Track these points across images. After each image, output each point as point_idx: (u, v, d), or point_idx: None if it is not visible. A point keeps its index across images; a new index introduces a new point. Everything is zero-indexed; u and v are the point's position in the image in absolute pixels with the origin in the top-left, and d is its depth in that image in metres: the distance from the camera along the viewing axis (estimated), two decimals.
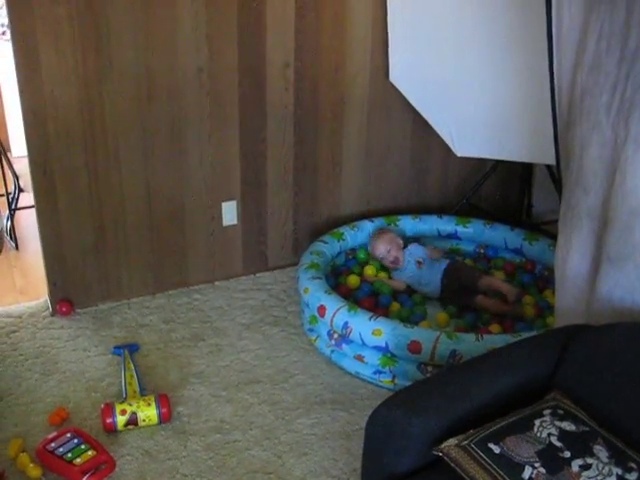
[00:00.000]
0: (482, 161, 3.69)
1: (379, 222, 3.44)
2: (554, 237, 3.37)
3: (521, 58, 2.86)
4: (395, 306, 3.01)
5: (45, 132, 2.83)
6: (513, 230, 3.39)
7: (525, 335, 2.54)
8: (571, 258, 2.27)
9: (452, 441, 1.69)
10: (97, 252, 3.11)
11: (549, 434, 1.66)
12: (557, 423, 1.70)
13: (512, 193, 3.92)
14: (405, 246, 3.28)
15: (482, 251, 3.47)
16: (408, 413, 1.74)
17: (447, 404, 1.79)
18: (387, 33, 3.26)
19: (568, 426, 1.69)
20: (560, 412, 1.74)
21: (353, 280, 3.16)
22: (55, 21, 2.70)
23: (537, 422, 1.70)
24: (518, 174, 3.84)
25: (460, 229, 3.47)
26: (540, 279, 3.24)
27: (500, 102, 3.01)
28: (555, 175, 3.37)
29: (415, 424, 1.72)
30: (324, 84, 3.30)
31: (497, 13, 2.85)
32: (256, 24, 3.06)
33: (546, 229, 3.58)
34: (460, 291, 3.08)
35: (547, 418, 1.71)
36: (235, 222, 3.34)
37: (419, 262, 3.19)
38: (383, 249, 3.23)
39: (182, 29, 2.93)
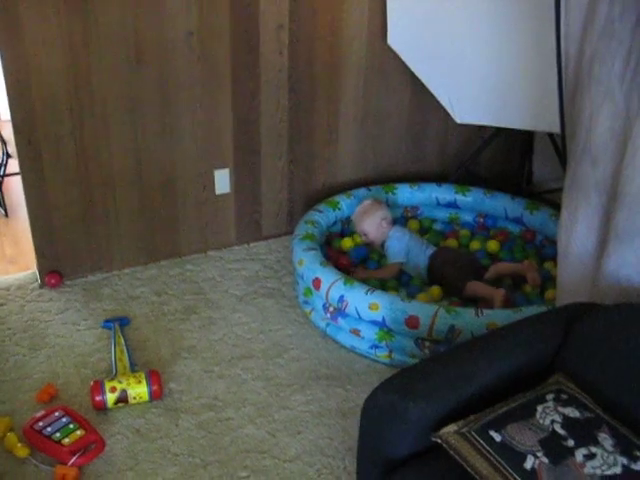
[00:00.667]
0: (481, 128, 3.59)
1: (376, 190, 3.35)
2: (556, 206, 3.31)
3: (525, 22, 2.73)
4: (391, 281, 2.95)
5: (29, 99, 2.72)
6: (514, 199, 3.30)
7: (526, 310, 2.49)
8: (576, 232, 2.19)
9: (451, 427, 1.63)
10: (86, 222, 3.02)
11: (552, 421, 1.60)
12: (560, 409, 1.64)
13: (512, 161, 3.83)
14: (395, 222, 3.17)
15: (481, 220, 3.38)
16: (406, 397, 1.68)
17: (446, 388, 1.73)
18: None
19: (572, 412, 1.63)
20: (564, 397, 1.68)
21: (346, 243, 3.11)
22: None
23: (540, 408, 1.64)
24: (518, 141, 3.74)
25: (459, 198, 3.38)
26: (540, 248, 3.16)
27: (502, 67, 2.89)
28: (558, 144, 3.28)
29: (413, 409, 1.66)
30: (320, 47, 3.18)
31: None
32: None
33: (548, 198, 3.49)
34: (446, 285, 2.90)
35: (550, 404, 1.65)
36: (228, 190, 3.25)
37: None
38: (359, 229, 3.10)
39: None
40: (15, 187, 3.86)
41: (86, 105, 2.83)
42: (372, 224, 3.05)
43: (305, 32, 3.12)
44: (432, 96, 3.25)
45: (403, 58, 3.19)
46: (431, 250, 2.99)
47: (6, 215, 3.73)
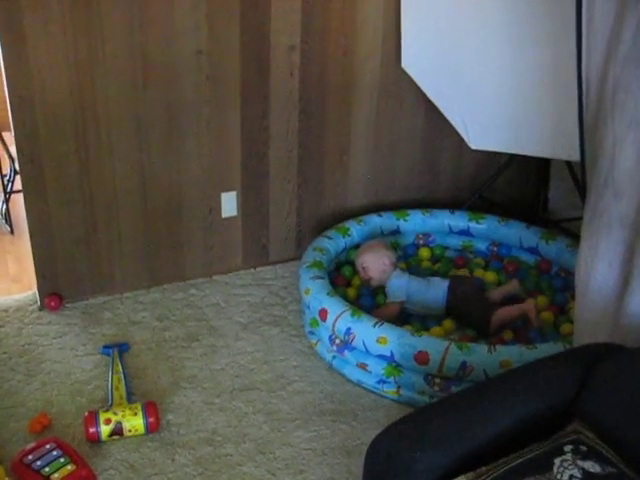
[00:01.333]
0: (496, 154, 3.48)
1: (387, 216, 3.25)
2: (573, 236, 3.20)
3: (544, 47, 2.65)
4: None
5: (33, 118, 2.65)
6: (529, 228, 3.19)
7: (540, 347, 2.38)
8: (596, 267, 2.08)
9: None
10: (89, 244, 2.94)
11: (571, 476, 1.49)
12: (580, 463, 1.52)
13: (527, 188, 3.72)
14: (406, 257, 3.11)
15: (495, 249, 3.27)
16: (413, 446, 1.58)
17: (456, 435, 1.62)
18: (400, 16, 3.04)
19: (592, 467, 1.51)
20: (583, 449, 1.57)
21: (357, 280, 3.00)
22: (43, 0, 2.51)
23: (557, 461, 1.53)
24: (533, 169, 3.64)
25: (473, 225, 3.27)
26: (556, 280, 3.04)
27: (519, 93, 2.80)
28: (576, 172, 3.18)
29: (420, 458, 1.56)
30: (332, 69, 3.10)
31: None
32: (260, 3, 2.86)
33: (564, 227, 3.38)
34: (471, 323, 2.78)
35: (568, 457, 1.54)
36: (235, 214, 3.16)
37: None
38: (360, 261, 2.94)
39: (180, 8, 2.73)
40: (22, 204, 3.77)
41: (91, 124, 2.76)
42: (375, 259, 2.89)
43: (317, 53, 3.04)
44: (446, 121, 3.16)
45: (417, 81, 3.10)
46: (444, 282, 2.85)
47: (12, 232, 3.66)
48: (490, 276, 3.06)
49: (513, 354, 2.33)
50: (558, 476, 1.50)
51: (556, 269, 3.10)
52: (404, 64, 3.10)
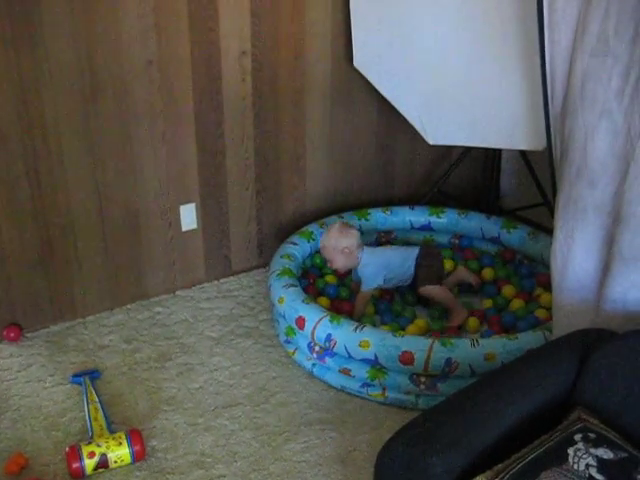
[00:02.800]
0: (449, 148, 3.52)
1: (349, 217, 3.23)
2: (531, 224, 3.26)
3: (500, 39, 2.67)
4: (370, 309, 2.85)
5: None
6: (489, 218, 3.23)
7: (522, 337, 2.41)
8: (574, 255, 2.12)
9: None
10: (45, 268, 2.80)
11: (587, 465, 1.50)
12: (592, 450, 1.54)
13: (477, 179, 3.76)
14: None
15: (456, 241, 3.30)
16: (428, 450, 1.55)
17: (468, 435, 1.61)
18: (349, 14, 3.02)
19: (605, 454, 1.53)
20: (592, 436, 1.58)
21: (329, 279, 2.99)
22: None
23: (571, 451, 1.54)
24: (482, 159, 3.68)
25: (433, 220, 3.29)
26: (520, 267, 3.09)
27: (476, 86, 2.82)
28: (530, 162, 3.23)
29: (437, 463, 1.54)
30: (284, 72, 3.06)
31: None
32: (208, 9, 2.79)
33: (519, 215, 3.44)
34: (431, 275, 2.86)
35: (580, 445, 1.55)
36: (195, 226, 3.08)
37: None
38: (324, 255, 2.89)
39: (127, 17, 2.64)
40: None
41: (40, 143, 2.63)
42: (334, 250, 2.81)
43: (268, 57, 2.99)
44: (398, 117, 3.17)
45: (371, 80, 3.09)
46: (414, 251, 2.89)
47: None
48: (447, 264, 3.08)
49: (496, 346, 2.35)
50: (575, 466, 1.50)
51: (519, 257, 3.15)
52: (356, 63, 3.08)
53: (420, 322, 2.76)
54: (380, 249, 3.02)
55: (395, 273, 2.86)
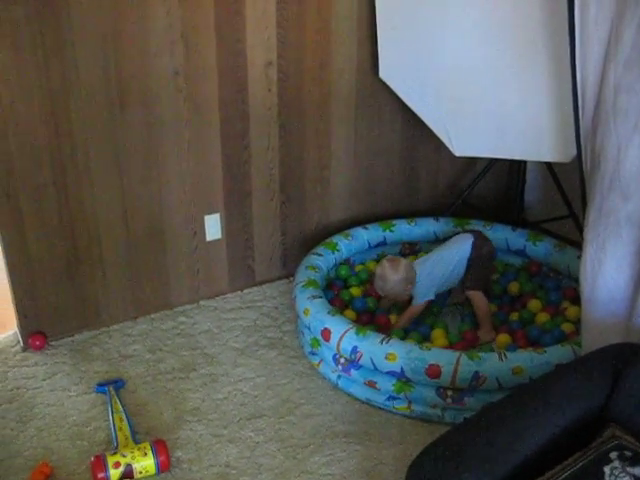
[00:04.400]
0: (473, 159, 3.49)
1: (374, 228, 3.22)
2: (556, 237, 3.22)
3: (527, 50, 2.65)
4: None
5: (6, 149, 2.53)
6: (515, 230, 3.20)
7: (550, 351, 2.38)
8: (605, 269, 2.09)
9: None
10: (70, 277, 2.81)
11: None
12: (630, 469, 1.50)
13: (503, 192, 3.74)
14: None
15: None
16: (460, 467, 1.53)
17: (500, 452, 1.58)
18: (375, 25, 3.02)
19: None
20: (628, 454, 1.55)
21: (354, 291, 2.97)
22: (12, 23, 2.40)
23: (607, 470, 1.51)
24: (508, 172, 3.66)
25: (459, 231, 3.24)
26: (547, 281, 3.06)
27: (503, 97, 2.80)
28: (556, 173, 3.20)
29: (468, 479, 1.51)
30: (309, 83, 3.05)
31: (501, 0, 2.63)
32: (235, 20, 2.80)
33: (544, 228, 3.40)
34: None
35: (617, 464, 1.52)
36: (219, 236, 3.08)
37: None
38: (379, 291, 2.78)
39: (154, 29, 2.65)
40: None
41: (67, 153, 2.65)
42: (396, 288, 2.72)
43: (294, 68, 2.99)
44: (423, 128, 3.16)
45: (397, 91, 3.08)
46: (467, 251, 2.83)
47: None
48: None
49: (525, 360, 2.32)
50: None
51: (545, 270, 3.11)
52: (382, 75, 3.07)
53: (439, 332, 2.72)
54: (430, 262, 2.83)
55: (446, 283, 2.83)
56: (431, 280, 2.77)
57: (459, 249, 2.85)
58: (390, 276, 2.70)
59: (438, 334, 2.73)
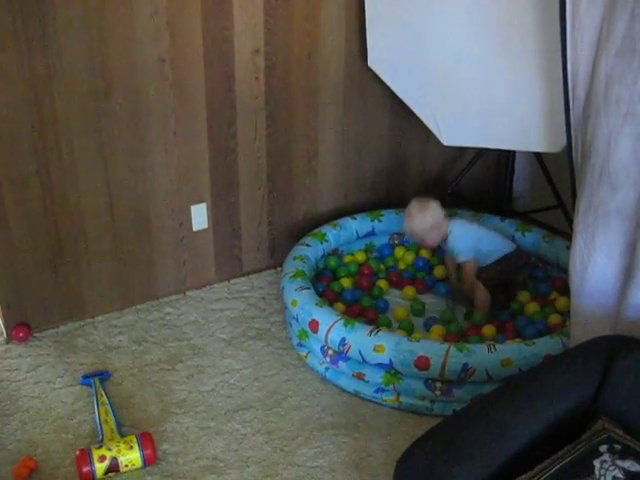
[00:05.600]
0: (461, 149, 3.47)
1: (362, 218, 3.19)
2: (544, 227, 3.22)
3: (516, 36, 2.62)
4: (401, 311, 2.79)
5: None
6: (504, 221, 3.19)
7: (539, 343, 2.37)
8: (594, 260, 2.08)
9: None
10: (55, 267, 2.77)
11: (614, 477, 1.47)
12: (619, 463, 1.50)
13: (489, 180, 3.73)
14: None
15: None
16: (450, 460, 1.52)
17: (490, 445, 1.58)
18: (364, 13, 2.98)
19: (632, 466, 1.49)
20: (617, 447, 1.55)
21: (344, 282, 2.94)
22: None
23: (597, 463, 1.50)
24: (495, 160, 3.65)
25: None
26: (536, 271, 3.05)
27: (492, 87, 2.77)
28: (545, 164, 3.19)
29: (459, 474, 1.50)
30: (297, 71, 3.02)
31: None
32: (221, 6, 2.75)
33: (533, 218, 3.39)
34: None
35: (606, 457, 1.51)
36: (206, 226, 3.05)
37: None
38: (415, 237, 2.84)
39: (139, 15, 2.60)
40: None
41: (51, 142, 2.60)
42: (425, 231, 2.78)
43: (281, 56, 2.95)
44: (411, 118, 3.13)
45: (385, 80, 3.05)
46: (507, 249, 2.84)
47: None
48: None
49: (513, 352, 2.31)
50: (602, 478, 1.47)
51: (534, 260, 3.10)
52: (371, 63, 3.04)
53: (438, 328, 2.70)
54: (475, 230, 2.88)
55: (479, 255, 2.82)
56: (473, 244, 2.78)
57: (506, 243, 2.89)
58: (416, 214, 2.75)
59: (437, 330, 2.70)
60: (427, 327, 2.71)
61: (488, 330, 2.68)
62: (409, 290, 2.95)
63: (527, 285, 2.96)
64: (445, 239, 2.85)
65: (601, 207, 2.02)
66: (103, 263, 2.86)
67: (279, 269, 3.12)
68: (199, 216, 3.01)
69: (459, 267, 2.88)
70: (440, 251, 3.15)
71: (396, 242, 3.28)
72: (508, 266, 2.86)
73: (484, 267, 2.82)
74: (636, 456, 1.52)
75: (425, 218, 2.77)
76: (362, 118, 3.26)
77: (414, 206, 2.80)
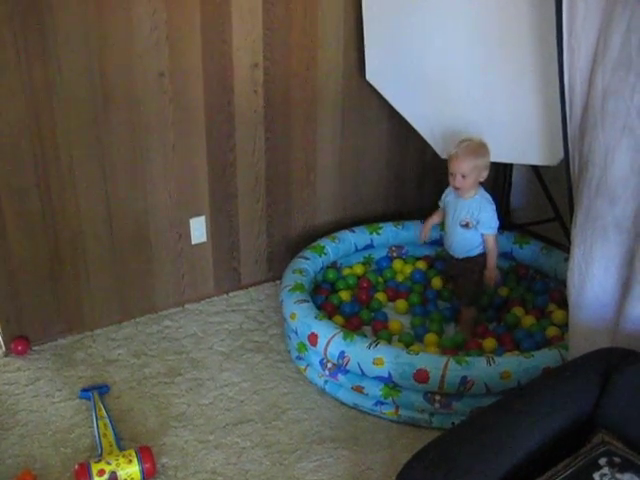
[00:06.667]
0: None
1: (361, 231, 3.20)
2: (542, 239, 3.23)
3: (513, 50, 2.64)
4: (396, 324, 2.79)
5: None
6: (501, 233, 3.18)
7: (537, 356, 2.37)
8: (592, 273, 2.08)
9: None
10: (54, 280, 2.78)
11: None
12: (619, 476, 1.50)
13: (490, 194, 3.72)
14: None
15: None
16: (449, 474, 1.52)
17: (489, 459, 1.57)
18: (362, 27, 3.00)
19: (632, 479, 1.49)
20: (617, 460, 1.54)
21: (343, 295, 2.94)
22: None
23: (596, 477, 1.50)
24: (493, 173, 3.65)
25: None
26: (534, 283, 3.06)
27: (488, 99, 2.79)
28: (542, 177, 3.20)
29: None
30: (295, 84, 3.03)
31: (488, 2, 2.62)
32: (221, 21, 2.77)
33: (530, 230, 3.40)
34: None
35: (606, 470, 1.51)
36: (204, 239, 3.05)
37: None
38: (457, 169, 2.65)
39: (139, 29, 2.62)
40: None
41: (51, 155, 2.61)
42: (471, 168, 2.63)
43: (280, 70, 2.97)
44: (409, 131, 3.15)
45: (383, 94, 3.07)
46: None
47: None
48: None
49: (512, 364, 2.32)
50: None
51: (531, 272, 3.11)
52: (369, 77, 3.06)
53: (432, 337, 2.71)
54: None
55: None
56: (494, 209, 2.72)
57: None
58: (476, 150, 2.64)
59: (431, 339, 2.71)
60: (418, 337, 2.72)
61: (488, 343, 2.68)
62: (401, 304, 2.96)
63: (524, 298, 2.96)
64: (471, 195, 2.71)
65: (599, 220, 2.03)
66: (102, 276, 2.87)
67: (277, 282, 3.12)
68: (198, 229, 3.01)
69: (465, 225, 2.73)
70: (438, 263, 3.17)
71: (394, 255, 3.28)
72: (479, 270, 2.78)
73: (473, 257, 2.75)
74: (636, 469, 1.52)
75: (482, 157, 2.65)
76: (360, 131, 3.28)
77: (474, 141, 2.67)
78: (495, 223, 2.73)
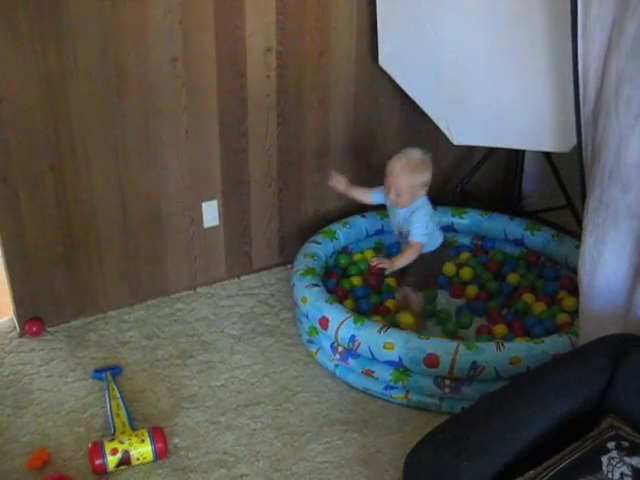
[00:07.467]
0: (471, 148, 3.48)
1: (372, 217, 3.21)
2: (554, 226, 3.23)
3: (526, 36, 2.63)
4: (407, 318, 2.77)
5: (3, 134, 2.51)
6: (513, 220, 3.20)
7: (547, 341, 2.38)
8: (604, 259, 2.09)
9: None
10: (67, 263, 2.80)
11: (622, 474, 1.48)
12: (627, 459, 1.51)
13: (499, 180, 3.74)
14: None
15: (479, 243, 3.27)
16: (458, 456, 1.54)
17: (498, 441, 1.59)
18: (375, 12, 3.00)
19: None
20: (625, 444, 1.56)
21: (354, 280, 2.96)
22: (9, 8, 2.37)
23: (604, 460, 1.52)
24: (505, 160, 3.65)
25: (456, 220, 3.26)
26: (545, 270, 3.06)
27: (501, 85, 2.79)
28: (554, 163, 3.20)
29: (467, 469, 1.52)
30: (308, 70, 3.03)
31: None
32: (234, 6, 2.77)
33: (542, 217, 3.40)
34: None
35: (614, 454, 1.53)
36: (217, 223, 3.07)
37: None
38: (393, 185, 2.54)
39: (153, 14, 2.62)
40: None
41: (65, 139, 2.63)
42: (408, 187, 2.52)
43: (293, 54, 2.97)
44: (421, 117, 3.14)
45: (396, 79, 3.06)
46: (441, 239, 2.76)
47: None
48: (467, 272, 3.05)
49: (522, 350, 2.33)
50: (609, 475, 1.48)
51: (543, 259, 3.11)
52: (381, 62, 3.06)
53: (408, 317, 2.69)
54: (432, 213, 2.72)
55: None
56: (426, 217, 2.64)
57: (438, 235, 2.79)
58: (413, 168, 2.53)
59: (406, 318, 2.68)
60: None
61: (499, 329, 2.69)
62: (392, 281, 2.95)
63: (535, 285, 2.97)
64: (407, 210, 2.62)
65: (611, 206, 2.03)
66: (115, 259, 2.89)
67: (289, 266, 3.14)
68: (210, 213, 3.03)
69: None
70: (449, 249, 3.17)
71: None
72: (430, 262, 2.73)
73: (405, 270, 2.65)
74: None
75: (418, 175, 2.53)
76: (373, 116, 3.28)
77: (418, 157, 2.54)
78: (423, 232, 2.60)
